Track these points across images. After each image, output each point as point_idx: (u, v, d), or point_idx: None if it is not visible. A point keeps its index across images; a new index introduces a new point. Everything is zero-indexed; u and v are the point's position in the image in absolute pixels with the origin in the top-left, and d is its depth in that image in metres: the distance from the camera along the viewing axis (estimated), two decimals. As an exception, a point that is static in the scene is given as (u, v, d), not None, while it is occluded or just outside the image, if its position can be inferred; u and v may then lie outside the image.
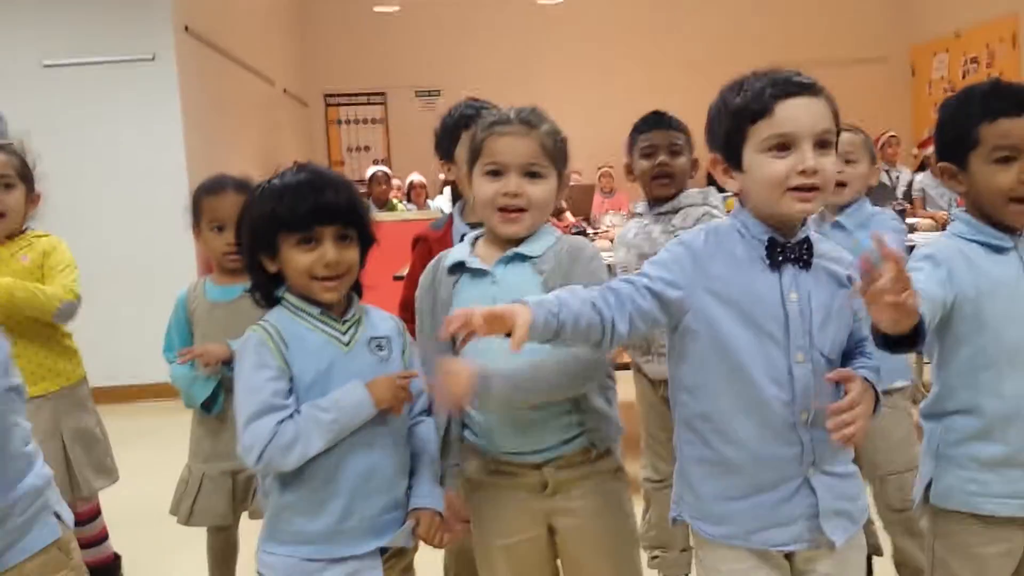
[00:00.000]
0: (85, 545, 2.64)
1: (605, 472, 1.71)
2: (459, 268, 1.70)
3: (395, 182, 7.90)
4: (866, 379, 1.45)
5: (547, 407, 1.63)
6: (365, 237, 1.64)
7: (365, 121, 10.48)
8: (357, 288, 1.68)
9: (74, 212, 5.27)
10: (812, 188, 1.42)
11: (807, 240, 1.48)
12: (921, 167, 7.00)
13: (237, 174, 2.40)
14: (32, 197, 2.57)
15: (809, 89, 1.44)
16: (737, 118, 1.45)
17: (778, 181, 1.42)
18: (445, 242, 2.20)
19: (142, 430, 4.36)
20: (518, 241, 1.68)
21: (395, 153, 10.27)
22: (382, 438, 1.61)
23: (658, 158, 2.43)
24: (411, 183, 8.12)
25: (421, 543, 1.67)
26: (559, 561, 1.77)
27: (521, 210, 1.65)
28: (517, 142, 1.65)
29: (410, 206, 7.82)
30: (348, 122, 10.48)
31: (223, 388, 2.25)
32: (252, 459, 1.52)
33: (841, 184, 2.32)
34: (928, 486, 1.67)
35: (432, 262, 1.76)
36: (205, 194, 2.35)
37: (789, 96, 1.42)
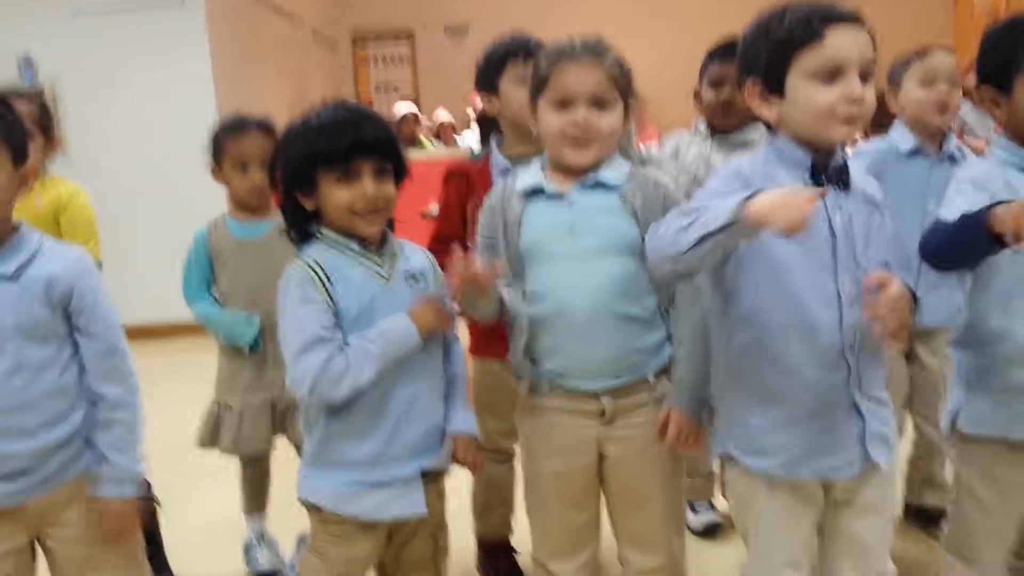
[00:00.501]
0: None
1: (660, 402, 1.72)
2: (531, 192, 1.71)
3: (423, 120, 7.86)
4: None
5: (619, 340, 1.65)
6: (399, 170, 1.66)
7: (393, 60, 10.40)
8: (389, 223, 1.70)
9: (105, 156, 5.34)
10: (856, 115, 1.42)
11: (845, 163, 1.49)
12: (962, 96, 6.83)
13: (257, 114, 2.40)
14: (51, 143, 2.57)
15: (854, 19, 1.43)
16: (782, 45, 1.43)
17: (826, 109, 1.41)
18: (485, 175, 2.21)
19: (172, 367, 4.43)
20: (587, 170, 1.68)
21: (423, 91, 10.20)
22: (423, 366, 1.65)
23: (724, 90, 2.39)
24: (440, 122, 8.07)
25: (454, 466, 1.71)
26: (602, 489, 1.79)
27: (589, 140, 1.65)
28: (585, 72, 1.64)
29: (439, 144, 7.79)
30: (376, 61, 10.41)
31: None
32: (304, 391, 1.55)
33: (946, 107, 2.31)
34: (956, 415, 1.68)
35: (498, 187, 1.77)
36: (228, 133, 2.36)
37: (837, 24, 1.41)
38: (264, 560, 2.50)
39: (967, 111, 6.34)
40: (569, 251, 1.64)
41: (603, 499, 1.80)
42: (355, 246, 1.63)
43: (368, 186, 1.59)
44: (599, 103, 1.65)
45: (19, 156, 1.55)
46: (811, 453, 1.48)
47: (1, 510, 1.55)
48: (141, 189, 5.60)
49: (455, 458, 1.68)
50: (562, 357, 1.68)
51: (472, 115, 7.43)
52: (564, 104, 1.65)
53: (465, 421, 1.71)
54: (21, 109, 2.42)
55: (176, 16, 5.68)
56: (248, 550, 2.55)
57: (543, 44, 2.20)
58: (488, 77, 2.24)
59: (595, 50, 1.66)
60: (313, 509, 1.66)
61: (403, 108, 7.43)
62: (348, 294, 1.59)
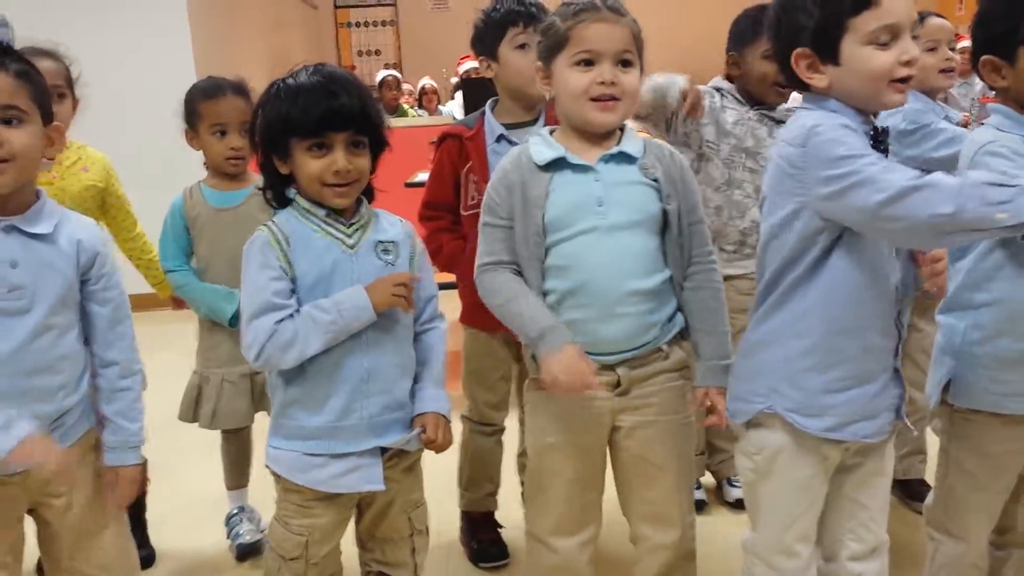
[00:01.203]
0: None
1: (673, 370, 1.71)
2: (554, 164, 1.64)
3: (406, 87, 7.77)
4: None
5: (638, 315, 1.63)
6: (377, 142, 1.62)
7: (375, 24, 10.28)
8: (369, 192, 1.67)
9: (81, 121, 5.23)
10: (909, 78, 1.40)
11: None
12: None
13: (231, 77, 2.35)
14: (75, 102, 2.47)
15: None
16: (836, 10, 1.39)
17: (884, 73, 1.39)
18: (478, 140, 2.17)
19: (158, 338, 4.38)
20: (604, 137, 1.65)
21: (406, 57, 10.09)
22: (383, 340, 1.62)
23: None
24: (422, 88, 7.99)
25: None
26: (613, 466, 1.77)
27: (615, 99, 1.61)
28: (611, 29, 1.60)
29: (421, 112, 7.72)
30: (358, 24, 10.28)
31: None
32: (252, 356, 1.57)
33: (951, 71, 2.35)
34: (946, 387, 1.66)
35: (510, 162, 1.67)
36: (203, 98, 2.30)
37: None
38: (246, 533, 2.47)
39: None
40: (596, 225, 1.60)
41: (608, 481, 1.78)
42: (320, 213, 1.61)
43: (339, 159, 1.56)
44: (624, 61, 1.61)
45: (46, 116, 1.55)
46: (855, 418, 1.48)
47: (6, 478, 1.54)
48: (119, 155, 5.48)
49: (424, 438, 1.66)
50: (582, 334, 1.62)
51: (454, 83, 7.36)
52: (589, 63, 1.60)
53: (434, 401, 1.69)
54: (49, 67, 2.36)
55: (153, -23, 5.56)
56: (230, 523, 2.53)
57: (545, 8, 2.16)
58: (486, 41, 2.17)
59: (617, 8, 1.62)
60: (277, 477, 1.67)
61: (383, 73, 7.34)
62: (307, 261, 1.58)
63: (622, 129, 1.68)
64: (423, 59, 9.38)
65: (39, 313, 1.51)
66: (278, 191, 1.65)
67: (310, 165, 1.56)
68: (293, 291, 1.57)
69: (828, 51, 1.41)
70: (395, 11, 10.21)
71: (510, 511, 2.44)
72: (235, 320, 2.24)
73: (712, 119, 2.41)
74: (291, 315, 1.55)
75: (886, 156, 1.44)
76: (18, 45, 4.87)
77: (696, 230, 1.69)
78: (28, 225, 1.52)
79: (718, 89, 2.46)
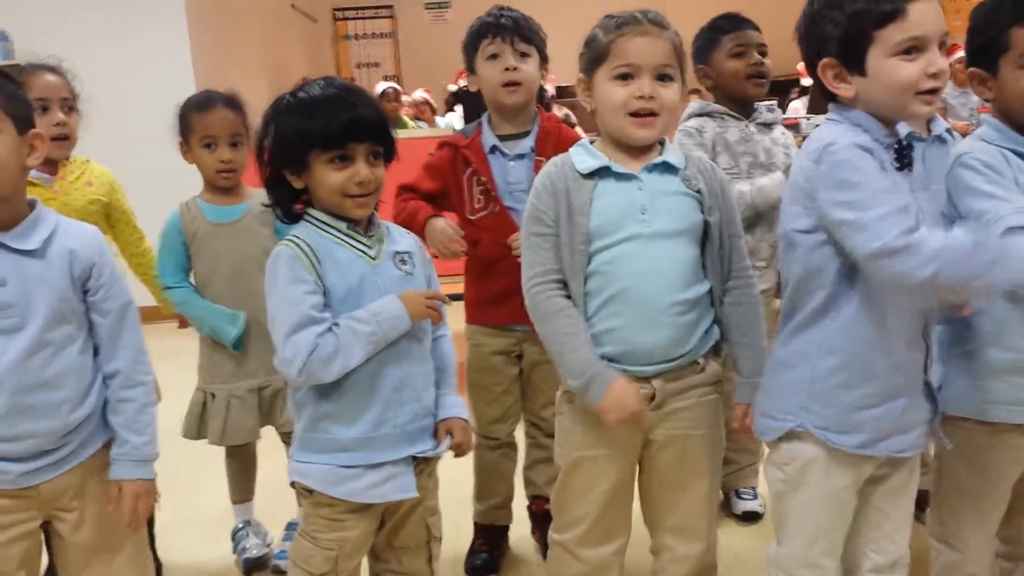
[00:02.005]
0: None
1: (708, 384, 1.71)
2: (597, 173, 1.64)
3: (405, 99, 7.79)
4: None
5: (678, 325, 1.63)
6: (388, 152, 1.64)
7: (374, 36, 10.31)
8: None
9: (81, 132, 5.24)
10: (937, 90, 1.40)
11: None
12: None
13: (224, 89, 2.35)
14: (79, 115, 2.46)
15: None
16: (862, 21, 1.39)
17: (910, 85, 1.38)
18: (476, 147, 2.21)
19: (160, 352, 4.38)
20: (644, 149, 1.65)
21: (405, 69, 10.11)
22: (412, 350, 1.63)
23: (753, 57, 2.37)
24: (416, 100, 8.00)
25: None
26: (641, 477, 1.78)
27: (653, 114, 1.61)
28: (652, 43, 1.60)
29: (421, 124, 7.73)
30: (357, 37, 10.31)
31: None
32: (293, 372, 1.54)
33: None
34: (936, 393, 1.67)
35: (554, 169, 1.67)
36: (195, 110, 2.29)
37: None
38: (253, 547, 2.46)
39: (949, 92, 6.35)
40: (640, 232, 1.60)
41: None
42: (342, 226, 1.61)
43: (362, 170, 1.57)
44: (664, 76, 1.61)
45: (23, 125, 1.50)
46: (888, 433, 1.48)
47: (15, 492, 1.54)
48: (119, 167, 5.49)
49: (455, 442, 1.67)
50: (620, 342, 1.63)
51: (453, 90, 7.38)
52: (627, 76, 1.60)
53: (457, 407, 1.70)
54: (56, 81, 2.38)
55: (152, -11, 5.59)
56: (236, 537, 2.52)
57: (522, 20, 2.19)
58: (467, 56, 2.24)
59: (659, 21, 1.62)
60: (304, 492, 1.65)
61: (383, 85, 7.36)
62: (336, 274, 1.58)
63: (662, 142, 1.69)
64: (421, 71, 9.40)
65: (33, 330, 1.49)
66: (288, 207, 1.65)
67: (331, 177, 1.57)
68: (325, 305, 1.57)
69: (854, 62, 1.41)
70: (393, 23, 10.24)
71: (520, 519, 2.46)
72: (239, 344, 2.24)
73: (723, 147, 2.40)
74: (330, 328, 1.54)
75: (910, 169, 1.44)
76: (18, 60, 4.87)
77: (735, 243, 1.70)
78: (15, 241, 1.50)
79: (708, 115, 2.44)
